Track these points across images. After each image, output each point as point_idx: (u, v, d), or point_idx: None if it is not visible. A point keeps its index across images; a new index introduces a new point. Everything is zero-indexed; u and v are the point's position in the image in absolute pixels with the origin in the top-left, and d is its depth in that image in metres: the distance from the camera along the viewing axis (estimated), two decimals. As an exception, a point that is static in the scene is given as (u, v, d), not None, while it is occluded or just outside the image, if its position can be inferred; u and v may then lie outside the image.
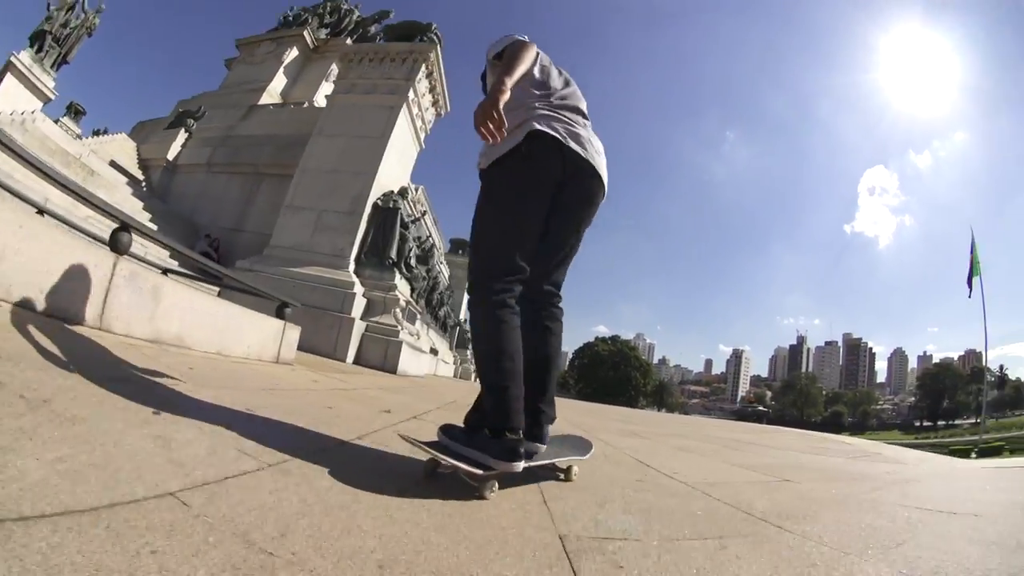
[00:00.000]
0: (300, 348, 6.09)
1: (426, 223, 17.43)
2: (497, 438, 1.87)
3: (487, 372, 1.95)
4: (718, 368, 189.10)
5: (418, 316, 13.56)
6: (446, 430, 2.01)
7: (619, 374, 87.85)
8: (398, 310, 10.58)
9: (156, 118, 18.60)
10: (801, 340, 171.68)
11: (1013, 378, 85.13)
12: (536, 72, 2.23)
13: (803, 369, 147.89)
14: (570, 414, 8.70)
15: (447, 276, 26.84)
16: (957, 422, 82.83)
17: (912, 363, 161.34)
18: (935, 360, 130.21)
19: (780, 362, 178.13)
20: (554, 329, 2.26)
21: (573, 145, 2.09)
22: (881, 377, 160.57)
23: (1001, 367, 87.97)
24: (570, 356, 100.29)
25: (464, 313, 32.25)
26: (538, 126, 2.04)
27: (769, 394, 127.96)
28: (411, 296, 12.77)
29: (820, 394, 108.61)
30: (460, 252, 32.34)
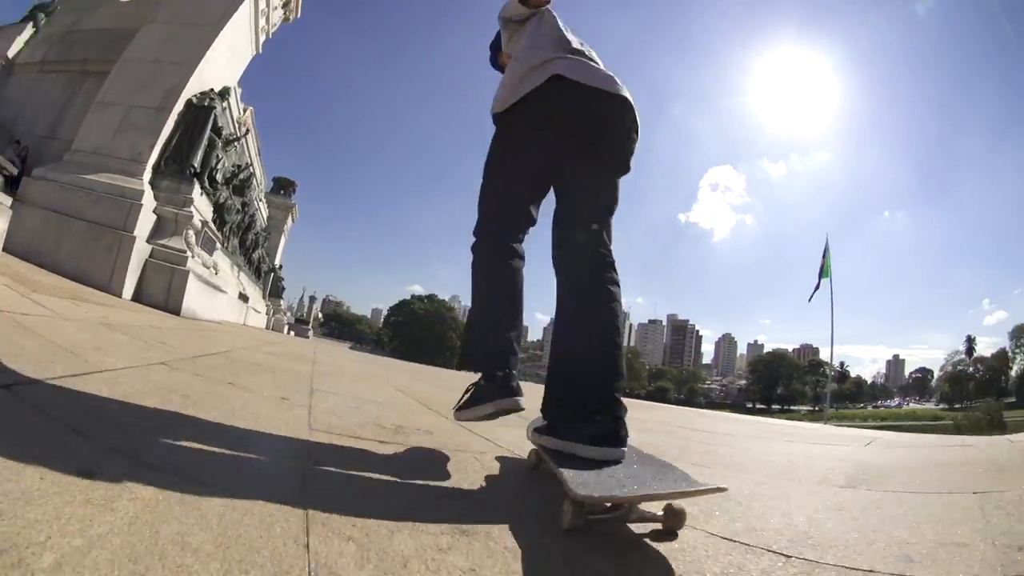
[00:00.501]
0: (69, 276, 4.46)
1: (248, 148, 15.43)
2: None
3: None
4: (534, 335, 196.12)
5: (218, 245, 11.35)
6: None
7: (434, 333, 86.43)
8: (191, 231, 8.58)
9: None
10: (624, 315, 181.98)
11: (853, 375, 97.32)
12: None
13: (625, 343, 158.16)
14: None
15: (265, 217, 24.28)
16: (793, 408, 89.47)
17: (741, 349, 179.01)
18: (767, 349, 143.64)
19: None
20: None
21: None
22: (707, 359, 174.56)
23: (842, 363, 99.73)
24: (385, 312, 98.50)
25: (281, 258, 29.75)
26: None
27: None
28: (218, 225, 11.10)
29: (644, 368, 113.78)
30: (282, 192, 29.42)
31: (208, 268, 9.94)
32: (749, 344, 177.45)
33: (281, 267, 28.78)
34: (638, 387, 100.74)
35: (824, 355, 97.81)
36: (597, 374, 1.69)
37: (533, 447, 1.90)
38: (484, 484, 1.66)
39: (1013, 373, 69.83)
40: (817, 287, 24.68)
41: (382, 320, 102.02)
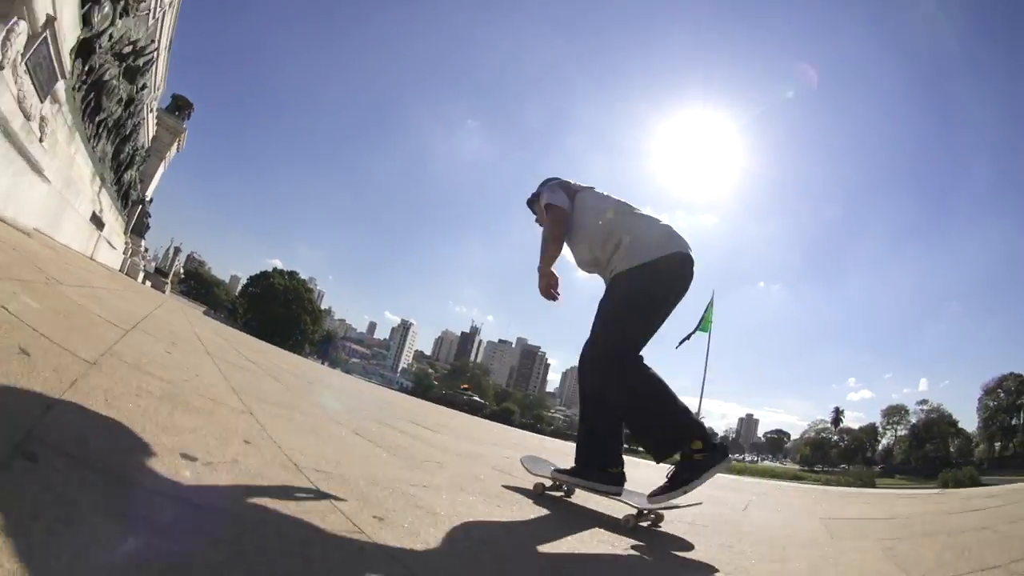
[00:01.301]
0: None
1: (161, 34, 11.89)
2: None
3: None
4: (381, 333, 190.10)
5: (59, 92, 7.04)
6: None
7: (290, 313, 79.61)
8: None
9: None
10: (475, 330, 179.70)
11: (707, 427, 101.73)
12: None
13: (472, 358, 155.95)
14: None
15: (151, 135, 19.53)
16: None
17: None
18: None
19: (446, 345, 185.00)
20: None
21: None
22: (551, 387, 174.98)
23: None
24: (244, 282, 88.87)
25: (153, 192, 24.77)
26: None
27: (432, 372, 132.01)
28: (92, 109, 8.48)
29: (491, 387, 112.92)
30: (177, 113, 24.21)
31: (29, 119, 5.91)
32: None
33: (151, 201, 23.61)
34: (483, 405, 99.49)
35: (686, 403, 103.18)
36: (616, 446, 2.93)
37: (538, 480, 3.10)
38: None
39: (880, 446, 79.87)
40: (688, 337, 24.47)
41: (239, 289, 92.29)
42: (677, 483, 2.52)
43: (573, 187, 3.23)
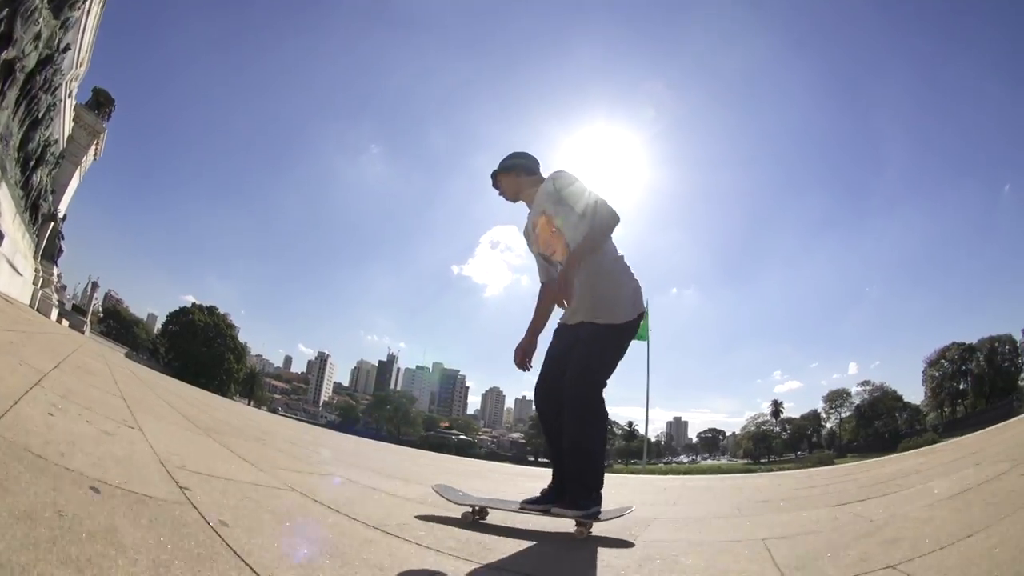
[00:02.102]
0: None
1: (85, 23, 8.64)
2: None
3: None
4: (297, 367, 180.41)
5: None
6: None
7: (213, 351, 73.58)
8: None
9: None
10: (392, 358, 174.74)
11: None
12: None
13: (392, 386, 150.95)
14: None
15: (66, 132, 15.32)
16: None
17: (509, 403, 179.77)
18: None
19: (363, 375, 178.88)
20: None
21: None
22: (471, 409, 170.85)
23: (630, 423, 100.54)
24: (163, 319, 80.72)
25: (67, 207, 20.12)
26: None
27: (355, 404, 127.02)
28: None
29: (419, 415, 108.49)
30: (97, 111, 19.82)
31: None
32: (517, 399, 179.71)
33: (65, 219, 19.02)
34: (412, 433, 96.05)
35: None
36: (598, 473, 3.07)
37: (466, 509, 3.22)
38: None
39: (825, 431, 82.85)
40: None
41: (157, 327, 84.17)
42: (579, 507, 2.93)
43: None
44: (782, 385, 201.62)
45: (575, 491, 2.98)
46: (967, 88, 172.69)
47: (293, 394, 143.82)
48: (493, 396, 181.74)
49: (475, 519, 3.15)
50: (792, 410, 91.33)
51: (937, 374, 68.67)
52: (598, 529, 3.00)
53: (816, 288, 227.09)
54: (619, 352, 3.18)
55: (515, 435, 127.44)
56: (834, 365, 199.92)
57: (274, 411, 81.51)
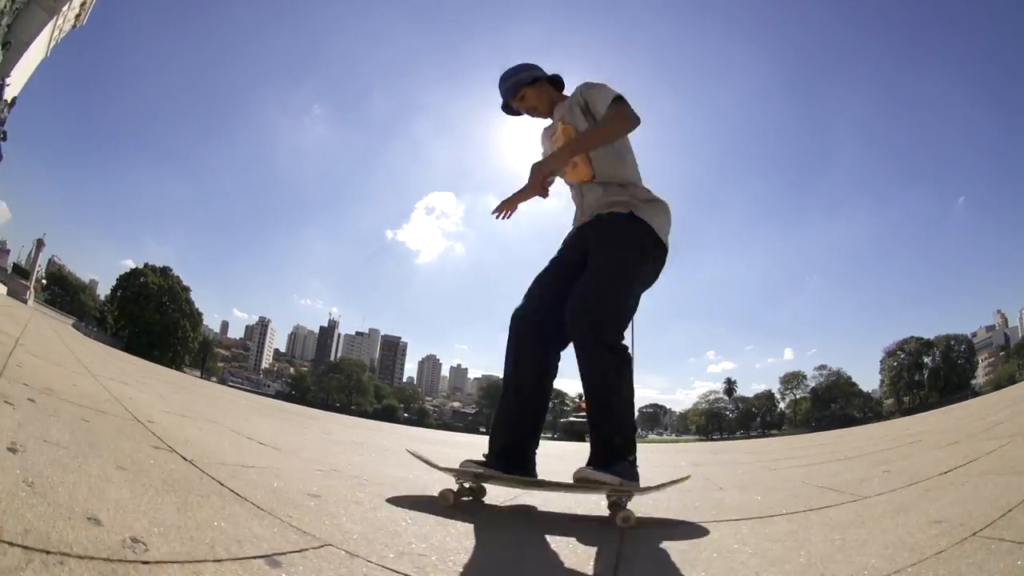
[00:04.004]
0: None
1: None
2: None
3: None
4: (234, 333, 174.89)
5: None
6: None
7: (167, 319, 68.12)
8: None
9: None
10: (333, 324, 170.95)
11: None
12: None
13: (333, 354, 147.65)
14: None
15: None
16: None
17: (444, 371, 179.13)
18: (472, 375, 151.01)
19: (299, 340, 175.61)
20: None
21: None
22: (406, 376, 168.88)
23: (580, 395, 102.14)
24: (111, 285, 74.42)
25: (21, 88, 17.31)
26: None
27: (290, 370, 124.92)
28: None
29: (371, 383, 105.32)
30: None
31: None
32: (452, 367, 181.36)
33: (13, 105, 15.65)
34: (365, 403, 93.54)
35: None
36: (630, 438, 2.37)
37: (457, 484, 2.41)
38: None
39: (779, 410, 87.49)
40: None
41: (102, 293, 78.53)
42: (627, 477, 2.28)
43: None
44: (715, 365, 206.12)
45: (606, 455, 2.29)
46: (929, 99, 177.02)
47: (234, 361, 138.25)
48: (430, 364, 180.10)
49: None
50: (718, 392, 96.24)
51: (895, 364, 73.33)
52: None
53: (756, 273, 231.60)
54: (643, 277, 2.52)
55: (455, 404, 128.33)
56: (769, 349, 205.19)
57: (223, 382, 77.79)
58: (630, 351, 2.40)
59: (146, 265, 72.56)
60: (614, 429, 2.30)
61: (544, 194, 2.62)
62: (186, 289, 74.84)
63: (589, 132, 2.51)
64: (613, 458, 2.23)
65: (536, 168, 2.51)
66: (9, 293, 16.65)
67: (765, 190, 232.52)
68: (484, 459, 2.44)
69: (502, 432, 2.51)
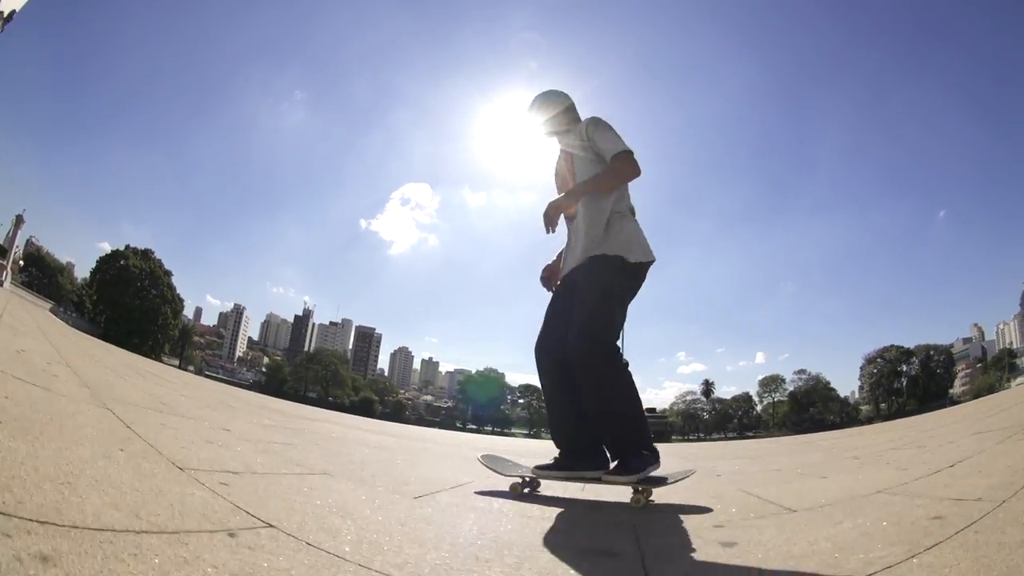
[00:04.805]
0: None
1: None
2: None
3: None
4: (208, 319, 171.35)
5: None
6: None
7: (147, 304, 65.45)
8: None
9: None
10: (308, 313, 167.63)
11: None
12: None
13: (307, 344, 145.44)
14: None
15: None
16: (509, 431, 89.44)
17: (416, 364, 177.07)
18: (445, 368, 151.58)
19: (273, 328, 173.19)
20: None
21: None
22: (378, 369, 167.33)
23: None
24: (88, 268, 71.16)
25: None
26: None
27: (266, 360, 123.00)
28: None
29: (350, 375, 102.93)
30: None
31: None
32: (424, 360, 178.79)
33: (9, 19, 14.77)
34: (343, 396, 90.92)
35: (509, 380, 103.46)
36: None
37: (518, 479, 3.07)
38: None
39: (755, 412, 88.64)
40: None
41: (79, 276, 75.41)
42: (632, 470, 2.63)
43: None
44: (686, 367, 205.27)
45: (623, 456, 2.77)
46: (916, 110, 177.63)
47: (208, 349, 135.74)
48: (402, 356, 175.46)
49: (524, 491, 3.04)
50: (695, 393, 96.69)
51: (875, 371, 74.89)
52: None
53: (730, 275, 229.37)
54: (620, 294, 2.93)
55: (427, 398, 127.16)
56: (741, 352, 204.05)
57: (200, 372, 75.97)
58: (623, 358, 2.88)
59: (127, 247, 69.92)
60: (621, 427, 2.80)
61: (552, 229, 3.07)
62: (168, 273, 72.26)
63: (600, 179, 2.98)
64: (631, 454, 2.69)
65: (553, 207, 3.02)
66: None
67: (745, 190, 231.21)
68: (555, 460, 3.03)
69: (555, 441, 3.12)
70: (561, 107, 3.34)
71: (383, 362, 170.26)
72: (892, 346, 75.50)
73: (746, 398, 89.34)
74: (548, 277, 3.38)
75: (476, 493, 2.88)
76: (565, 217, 3.26)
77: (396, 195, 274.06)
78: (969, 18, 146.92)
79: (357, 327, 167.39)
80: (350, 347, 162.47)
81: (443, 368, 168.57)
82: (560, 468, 2.96)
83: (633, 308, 3.07)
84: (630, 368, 2.92)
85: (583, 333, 2.81)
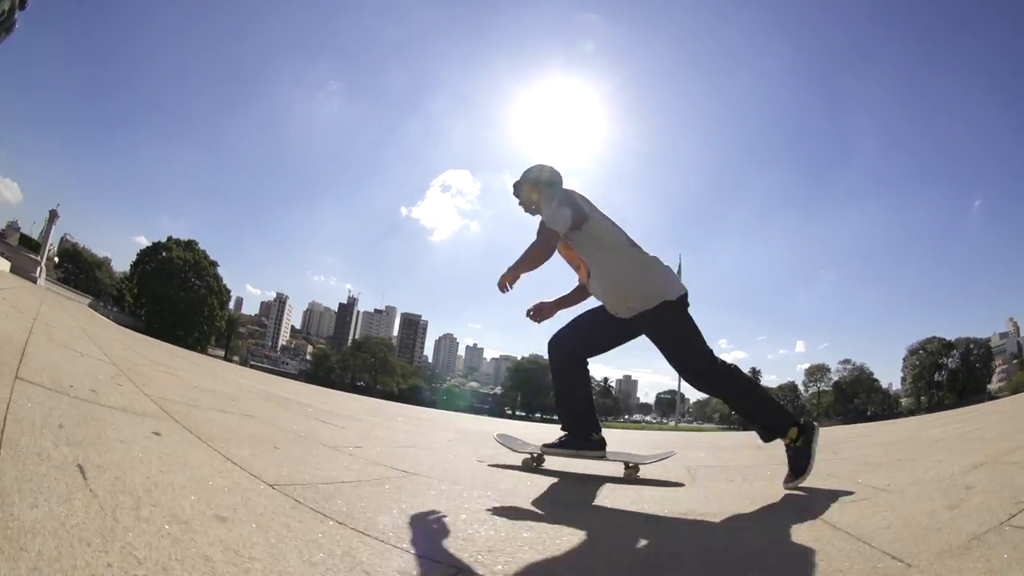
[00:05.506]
0: None
1: None
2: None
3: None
4: (249, 309, 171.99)
5: None
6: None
7: (192, 296, 64.29)
8: None
9: None
10: (353, 301, 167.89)
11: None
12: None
13: (352, 332, 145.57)
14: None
15: None
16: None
17: (460, 351, 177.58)
18: (490, 355, 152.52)
19: (315, 317, 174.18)
20: None
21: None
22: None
23: (605, 379, 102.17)
24: (128, 261, 70.05)
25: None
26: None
27: (310, 349, 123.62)
28: None
29: (399, 364, 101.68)
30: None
31: None
32: (468, 347, 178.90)
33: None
34: (391, 383, 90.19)
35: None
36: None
37: (528, 455, 3.72)
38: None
39: (800, 402, 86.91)
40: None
41: (119, 271, 73.53)
42: (800, 471, 2.84)
43: (581, 204, 3.31)
44: (727, 354, 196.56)
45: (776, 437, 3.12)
46: (951, 100, 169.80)
47: (250, 338, 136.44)
48: (447, 342, 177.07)
49: (534, 465, 3.63)
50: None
51: (918, 362, 73.64)
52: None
53: (770, 263, 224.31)
54: (689, 322, 3.24)
55: (473, 384, 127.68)
56: (781, 341, 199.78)
57: (245, 362, 77.53)
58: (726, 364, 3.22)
59: (170, 239, 68.35)
60: (764, 419, 3.12)
61: (506, 291, 3.20)
62: (213, 264, 70.26)
63: (523, 258, 3.22)
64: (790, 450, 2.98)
65: (503, 277, 3.17)
66: (13, 269, 14.09)
67: (784, 178, 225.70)
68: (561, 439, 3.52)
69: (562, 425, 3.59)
70: (534, 186, 3.58)
71: (427, 349, 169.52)
72: (934, 338, 74.17)
73: (791, 387, 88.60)
74: (535, 313, 3.62)
75: (498, 466, 3.61)
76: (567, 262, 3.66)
77: (436, 182, 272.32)
78: (1009, 6, 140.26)
79: (403, 314, 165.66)
80: (395, 334, 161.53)
81: (487, 355, 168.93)
82: (565, 446, 3.46)
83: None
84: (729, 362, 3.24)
85: (698, 373, 3.15)
